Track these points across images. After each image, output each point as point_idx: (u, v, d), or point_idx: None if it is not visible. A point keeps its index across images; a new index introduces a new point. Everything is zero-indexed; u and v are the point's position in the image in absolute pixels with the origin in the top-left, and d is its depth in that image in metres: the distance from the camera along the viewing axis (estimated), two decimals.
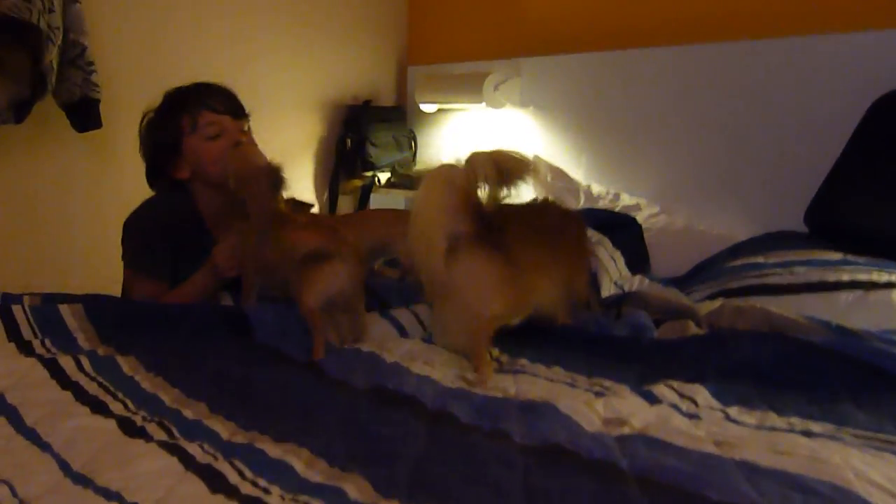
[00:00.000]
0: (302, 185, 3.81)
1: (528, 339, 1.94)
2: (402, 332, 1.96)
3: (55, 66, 2.67)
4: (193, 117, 2.03)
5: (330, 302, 1.81)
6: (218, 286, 2.06)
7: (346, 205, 3.89)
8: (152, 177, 2.18)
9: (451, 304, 1.78)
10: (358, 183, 3.79)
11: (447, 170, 1.72)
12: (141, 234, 2.07)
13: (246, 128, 2.13)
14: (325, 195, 3.85)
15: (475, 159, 1.71)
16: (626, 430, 1.40)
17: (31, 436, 1.28)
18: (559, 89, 3.28)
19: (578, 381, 1.72)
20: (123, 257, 2.13)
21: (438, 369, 1.74)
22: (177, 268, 2.08)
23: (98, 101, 2.84)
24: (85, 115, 2.85)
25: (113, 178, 3.09)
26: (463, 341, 1.77)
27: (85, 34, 2.78)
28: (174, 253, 2.07)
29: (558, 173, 3.20)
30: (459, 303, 1.76)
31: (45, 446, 1.24)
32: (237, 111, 2.10)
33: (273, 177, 1.96)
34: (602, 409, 1.50)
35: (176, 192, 2.15)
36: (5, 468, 1.15)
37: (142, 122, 2.16)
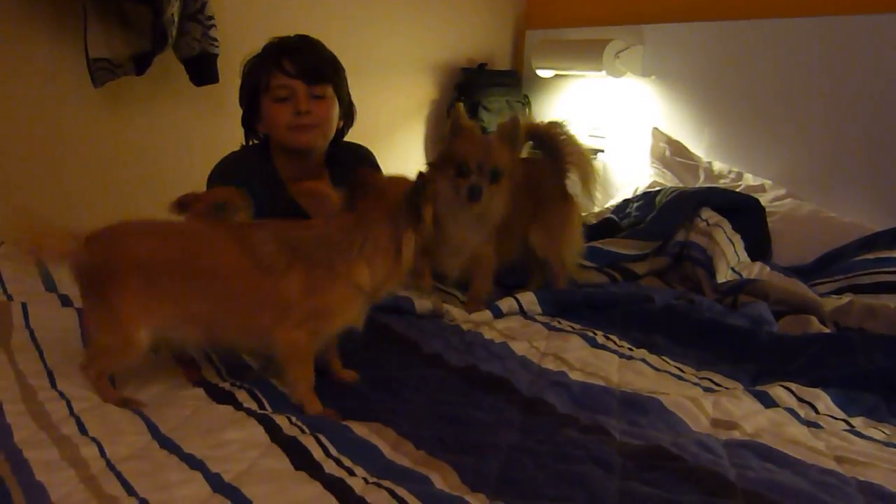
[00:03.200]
0: (413, 147, 3.76)
1: (636, 321, 1.85)
2: (498, 313, 1.89)
3: (176, 19, 2.69)
4: (269, 76, 1.97)
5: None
6: None
7: None
8: (245, 124, 2.14)
9: None
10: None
11: None
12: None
13: (327, 93, 2.01)
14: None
15: None
16: (736, 435, 1.30)
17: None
18: (684, 59, 3.10)
19: (686, 372, 1.62)
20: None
21: (537, 347, 1.67)
22: None
23: (216, 55, 2.85)
24: (203, 69, 2.87)
25: (227, 133, 3.09)
26: None
27: None
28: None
29: (678, 148, 3.04)
30: None
31: (138, 406, 1.24)
32: (312, 76, 1.96)
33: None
34: (711, 407, 1.40)
35: (257, 148, 2.12)
36: (97, 427, 1.15)
37: (243, 65, 2.11)
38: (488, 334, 1.72)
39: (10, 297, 1.66)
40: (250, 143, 2.15)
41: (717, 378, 1.59)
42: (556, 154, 2.07)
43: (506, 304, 1.89)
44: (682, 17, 3.14)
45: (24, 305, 1.59)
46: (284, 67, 1.92)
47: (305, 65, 1.93)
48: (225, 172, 2.01)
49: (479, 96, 3.62)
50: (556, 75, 3.59)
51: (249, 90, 2.00)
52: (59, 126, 2.83)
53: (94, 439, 1.10)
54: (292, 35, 2.03)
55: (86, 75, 2.69)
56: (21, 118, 2.76)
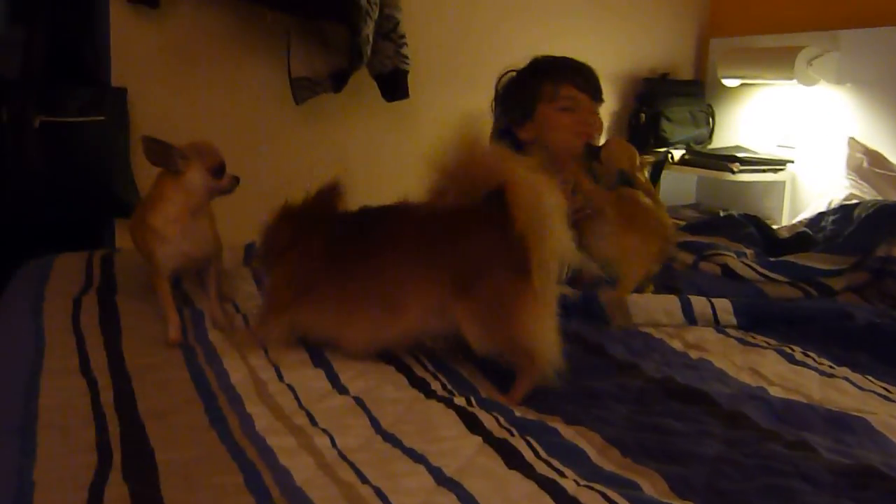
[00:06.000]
0: None
1: (837, 338, 1.80)
2: (691, 318, 1.89)
3: (371, 38, 2.85)
4: (556, 86, 2.10)
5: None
6: None
7: None
8: (499, 133, 2.25)
9: None
10: (650, 159, 3.67)
11: None
12: None
13: (599, 111, 2.15)
14: None
15: None
16: None
17: (346, 391, 1.38)
18: (885, 65, 2.95)
19: (893, 392, 1.56)
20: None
21: (733, 361, 1.66)
22: None
23: (407, 72, 3.00)
24: (394, 85, 3.02)
25: (415, 148, 3.24)
26: None
27: (398, 8, 2.94)
28: None
29: (877, 158, 2.90)
30: None
31: (358, 401, 1.34)
32: (596, 94, 2.16)
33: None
34: None
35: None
36: (325, 419, 1.26)
37: (501, 78, 2.24)
38: (679, 347, 1.74)
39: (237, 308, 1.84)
40: None
41: None
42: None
43: (699, 304, 1.90)
44: (882, 22, 3.00)
45: (244, 316, 1.76)
46: (577, 82, 2.12)
47: (594, 83, 2.17)
48: None
49: (661, 106, 3.60)
50: (743, 84, 3.51)
51: (519, 99, 2.13)
52: (264, 140, 3.06)
53: (324, 430, 1.21)
54: (564, 56, 2.23)
55: (288, 93, 2.91)
56: (232, 133, 3.00)
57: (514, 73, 2.22)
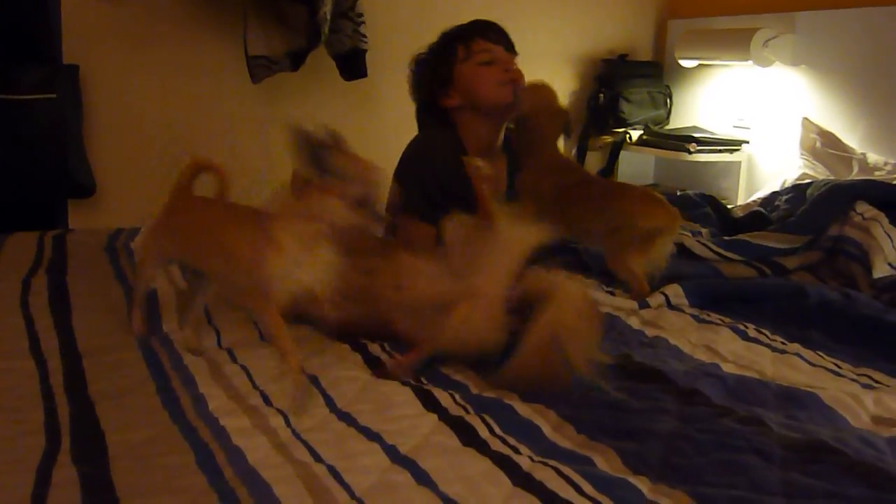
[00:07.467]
0: None
1: (789, 315, 1.83)
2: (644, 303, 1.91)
3: (329, 17, 2.81)
4: (467, 45, 2.08)
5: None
6: None
7: (594, 161, 3.83)
8: (423, 110, 2.22)
9: None
10: (608, 139, 3.70)
11: None
12: (416, 176, 2.05)
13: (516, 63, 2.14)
14: (574, 150, 3.81)
15: None
16: None
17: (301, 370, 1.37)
18: (839, 47, 2.99)
19: (843, 368, 1.60)
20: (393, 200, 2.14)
21: (685, 339, 1.68)
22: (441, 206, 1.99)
23: (365, 51, 2.97)
24: (352, 64, 2.99)
25: (375, 126, 3.23)
26: None
27: None
28: (442, 192, 2.01)
29: (830, 139, 2.93)
30: None
31: (313, 380, 1.33)
32: (509, 45, 2.14)
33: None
34: (871, 404, 1.38)
35: (442, 128, 2.16)
36: (279, 399, 1.25)
37: (413, 59, 2.21)
38: (636, 325, 1.75)
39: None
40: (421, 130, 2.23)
41: (877, 375, 1.55)
42: None
43: (653, 298, 1.91)
44: (837, 4, 3.04)
45: None
46: (488, 35, 2.09)
47: (504, 36, 2.14)
48: (422, 160, 2.08)
49: (620, 87, 3.61)
50: (700, 65, 3.54)
51: (435, 69, 2.11)
52: (220, 119, 3.02)
53: (279, 410, 1.20)
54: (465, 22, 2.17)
55: (245, 72, 2.86)
56: (187, 112, 2.96)
57: (424, 52, 2.21)
